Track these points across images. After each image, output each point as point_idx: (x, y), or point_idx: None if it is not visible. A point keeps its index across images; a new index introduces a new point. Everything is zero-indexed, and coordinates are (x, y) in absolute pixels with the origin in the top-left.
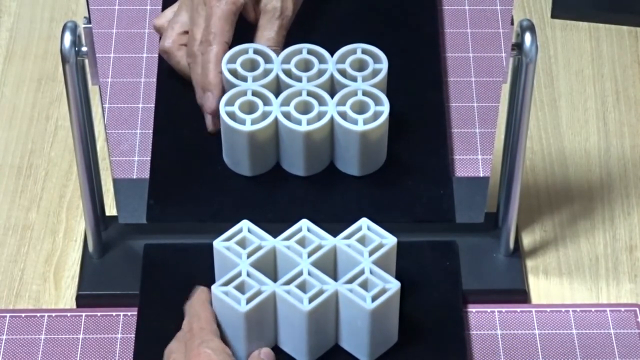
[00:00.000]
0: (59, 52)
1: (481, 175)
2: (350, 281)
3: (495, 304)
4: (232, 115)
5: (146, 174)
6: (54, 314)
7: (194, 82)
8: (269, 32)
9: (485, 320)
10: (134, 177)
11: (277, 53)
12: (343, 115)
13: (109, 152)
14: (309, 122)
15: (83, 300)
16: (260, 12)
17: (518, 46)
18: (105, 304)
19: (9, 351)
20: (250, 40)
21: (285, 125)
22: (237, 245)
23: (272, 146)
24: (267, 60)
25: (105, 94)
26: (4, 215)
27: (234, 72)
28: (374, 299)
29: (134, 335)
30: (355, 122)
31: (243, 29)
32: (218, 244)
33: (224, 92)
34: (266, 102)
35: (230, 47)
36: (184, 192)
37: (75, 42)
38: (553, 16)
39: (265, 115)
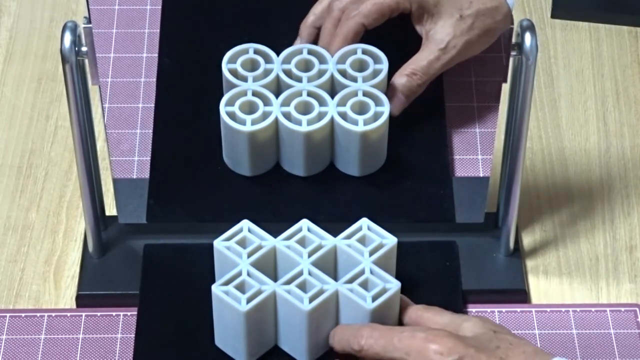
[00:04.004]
0: (59, 52)
1: (481, 175)
2: (351, 281)
3: (495, 304)
4: (232, 116)
5: (146, 174)
6: (54, 314)
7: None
8: (421, 60)
9: None
10: (134, 177)
11: (416, 83)
12: (343, 116)
13: (109, 152)
14: (309, 123)
15: (83, 300)
16: (424, 38)
17: (518, 46)
18: (105, 304)
19: (9, 351)
20: (251, 40)
21: (285, 126)
22: (238, 245)
23: (272, 146)
24: (268, 60)
25: (105, 94)
26: (4, 215)
27: (234, 72)
28: (374, 298)
29: (133, 335)
30: (355, 123)
31: (242, 29)
32: (218, 243)
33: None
34: (266, 102)
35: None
36: (184, 192)
37: (75, 42)
38: (553, 16)
39: (265, 115)
